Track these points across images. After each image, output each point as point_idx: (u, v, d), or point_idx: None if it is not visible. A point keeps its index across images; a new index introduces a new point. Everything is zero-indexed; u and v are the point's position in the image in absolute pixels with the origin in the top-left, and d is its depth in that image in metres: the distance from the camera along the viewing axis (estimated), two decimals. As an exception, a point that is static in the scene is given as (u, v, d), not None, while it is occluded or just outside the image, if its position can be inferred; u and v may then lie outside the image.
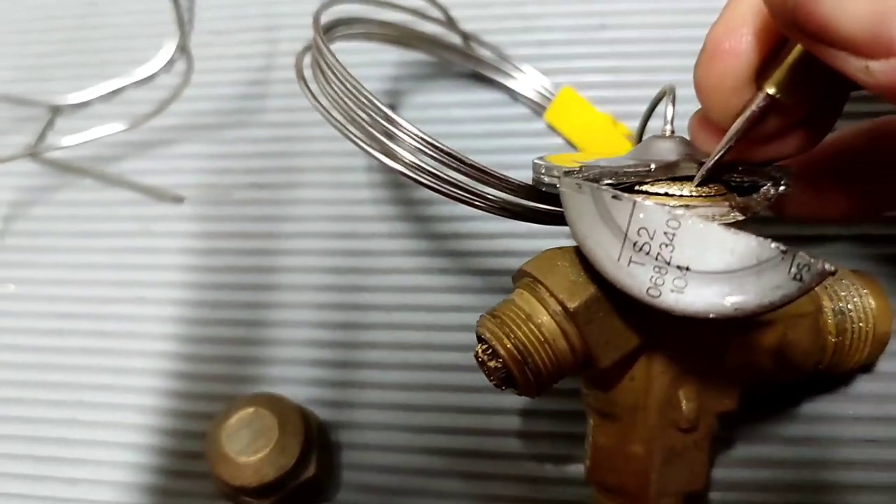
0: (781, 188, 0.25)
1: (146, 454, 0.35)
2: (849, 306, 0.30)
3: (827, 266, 0.21)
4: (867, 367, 0.32)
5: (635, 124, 0.37)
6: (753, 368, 0.28)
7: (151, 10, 0.45)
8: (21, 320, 0.38)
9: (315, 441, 0.31)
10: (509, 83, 0.39)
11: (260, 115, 0.41)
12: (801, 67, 0.22)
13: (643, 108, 0.36)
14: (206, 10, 0.42)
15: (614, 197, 0.23)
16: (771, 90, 0.23)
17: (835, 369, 0.30)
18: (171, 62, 0.39)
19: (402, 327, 0.35)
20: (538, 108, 0.38)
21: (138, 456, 0.35)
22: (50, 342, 0.38)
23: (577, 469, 0.32)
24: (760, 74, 0.23)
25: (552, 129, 0.38)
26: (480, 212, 0.30)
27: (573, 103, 0.37)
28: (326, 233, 0.38)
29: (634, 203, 0.23)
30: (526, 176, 0.27)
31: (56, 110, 0.42)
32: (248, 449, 0.30)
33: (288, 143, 0.40)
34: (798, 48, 0.22)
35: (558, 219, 0.28)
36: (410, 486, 0.33)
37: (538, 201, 0.27)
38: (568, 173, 0.24)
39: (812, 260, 0.21)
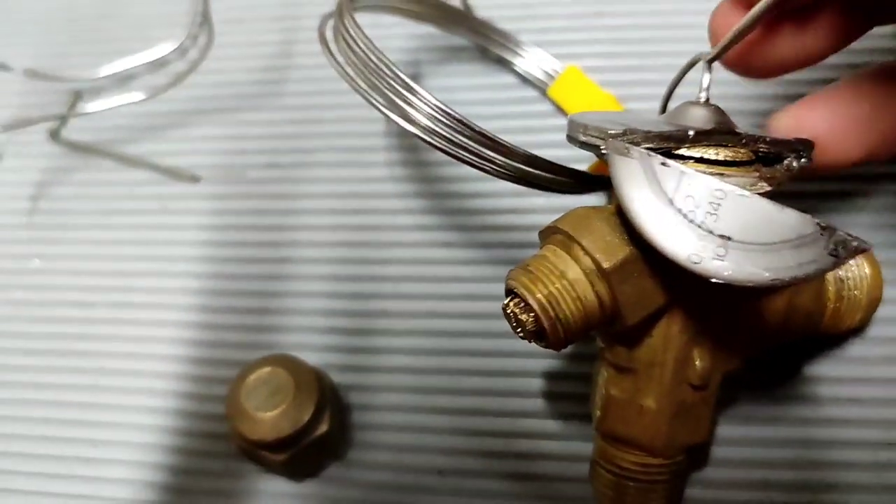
0: (803, 160, 0.27)
1: (167, 417, 0.37)
2: (847, 274, 0.32)
3: (861, 244, 0.23)
4: (858, 330, 0.33)
5: (634, 106, 0.39)
6: (761, 330, 0.30)
7: (169, 1, 0.47)
8: (46, 293, 0.40)
9: (328, 399, 0.33)
10: (517, 62, 0.41)
11: (276, 99, 0.43)
12: None
13: (641, 90, 0.38)
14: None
15: (663, 164, 0.24)
16: None
17: (830, 332, 0.32)
18: (191, 37, 0.41)
19: (410, 297, 0.37)
20: (544, 88, 0.40)
21: (159, 419, 0.37)
22: (73, 313, 0.39)
23: (580, 426, 0.34)
24: None
25: (557, 108, 0.40)
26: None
27: (578, 81, 0.39)
28: (337, 209, 0.40)
29: (682, 171, 0.24)
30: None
31: (77, 94, 0.44)
32: (266, 405, 0.32)
33: (302, 125, 0.42)
34: None
35: (555, 185, 0.30)
36: (418, 444, 0.34)
37: (538, 169, 0.29)
38: (613, 136, 0.26)
39: (848, 237, 0.23)
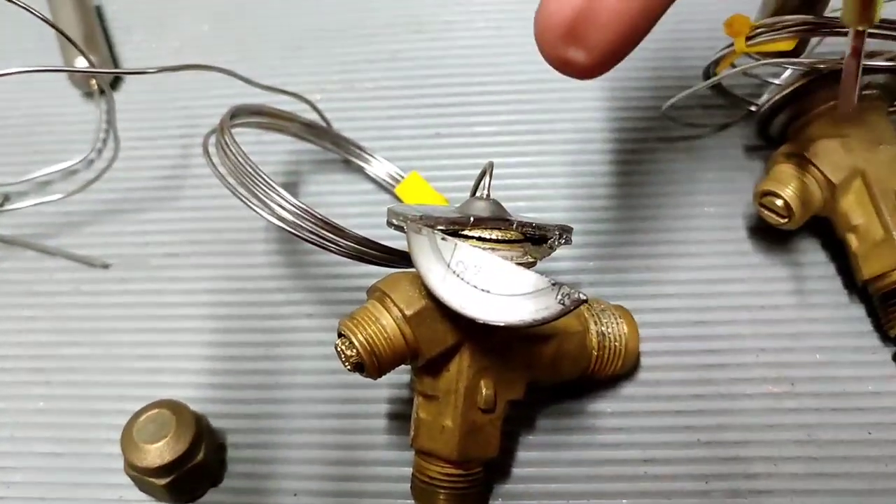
0: (563, 241, 0.37)
1: (71, 459, 0.44)
2: (608, 329, 0.41)
3: (581, 295, 0.32)
4: (625, 375, 0.43)
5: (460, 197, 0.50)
6: (536, 369, 0.38)
7: (85, 121, 0.56)
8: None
9: (204, 434, 0.41)
10: (372, 169, 0.51)
11: (175, 202, 0.52)
12: None
13: (462, 193, 0.49)
14: (127, 121, 0.53)
15: (443, 238, 0.34)
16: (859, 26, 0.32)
17: (597, 375, 0.41)
18: (95, 151, 0.51)
19: (278, 358, 0.46)
20: (391, 188, 0.50)
21: (63, 462, 0.43)
22: (-6, 378, 0.47)
23: (403, 454, 0.42)
24: None
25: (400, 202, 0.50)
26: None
27: (418, 183, 0.49)
28: (224, 289, 0.48)
29: (455, 244, 0.34)
30: (372, 235, 0.38)
31: (5, 196, 0.53)
32: (152, 438, 0.39)
33: (196, 222, 0.51)
34: None
35: (385, 261, 0.39)
36: (278, 472, 0.42)
37: (369, 248, 0.39)
38: (412, 220, 0.35)
39: (571, 290, 0.32)
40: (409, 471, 0.40)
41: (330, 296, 0.48)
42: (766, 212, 0.43)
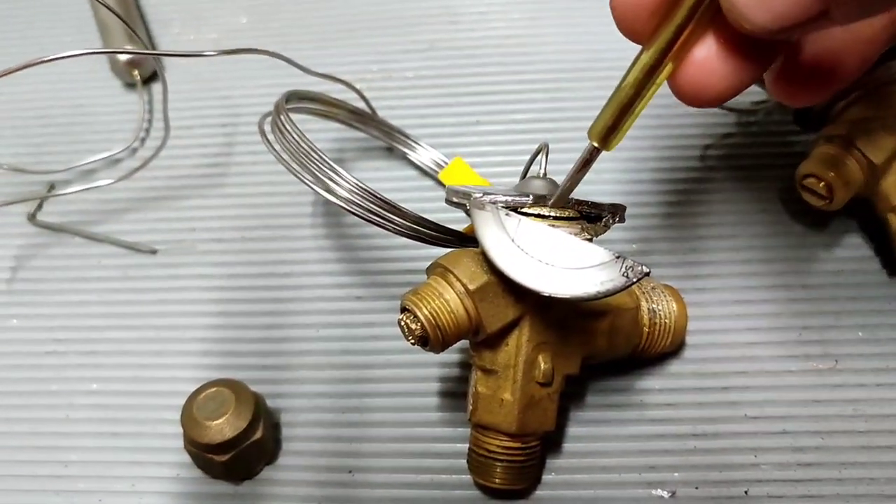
0: (616, 219, 0.38)
1: (127, 439, 0.44)
2: (658, 306, 0.42)
3: (644, 268, 0.33)
4: (674, 352, 0.44)
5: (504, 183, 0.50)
6: (591, 344, 0.39)
7: (127, 111, 0.57)
8: (23, 346, 0.48)
9: (262, 413, 0.41)
10: (416, 155, 0.52)
11: (219, 188, 0.53)
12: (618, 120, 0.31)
13: (505, 178, 0.50)
14: (169, 111, 0.54)
15: (507, 214, 0.35)
16: (595, 143, 0.32)
17: (647, 352, 0.42)
18: (138, 140, 0.52)
19: (329, 339, 0.46)
20: (436, 175, 0.51)
21: (120, 441, 0.44)
22: (47, 361, 0.47)
23: (456, 432, 0.43)
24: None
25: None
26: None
27: (461, 168, 0.50)
28: (270, 273, 0.49)
29: (520, 219, 0.35)
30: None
31: (51, 185, 0.54)
32: (212, 415, 0.40)
33: (240, 208, 0.52)
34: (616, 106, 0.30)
35: (440, 240, 0.40)
36: (333, 450, 0.43)
37: (425, 228, 0.39)
38: (475, 197, 0.36)
39: (635, 263, 0.33)
40: (462, 447, 0.41)
41: (378, 279, 0.48)
42: (807, 194, 0.44)
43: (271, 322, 0.47)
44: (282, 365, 0.46)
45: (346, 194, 0.39)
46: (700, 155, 0.51)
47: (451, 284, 0.36)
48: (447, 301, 0.36)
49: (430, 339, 0.35)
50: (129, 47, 0.57)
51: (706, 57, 0.28)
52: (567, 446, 0.42)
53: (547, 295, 0.33)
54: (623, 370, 0.44)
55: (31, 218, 0.52)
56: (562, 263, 0.34)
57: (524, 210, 0.36)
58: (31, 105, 0.59)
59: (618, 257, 0.34)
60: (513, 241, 0.34)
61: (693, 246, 0.48)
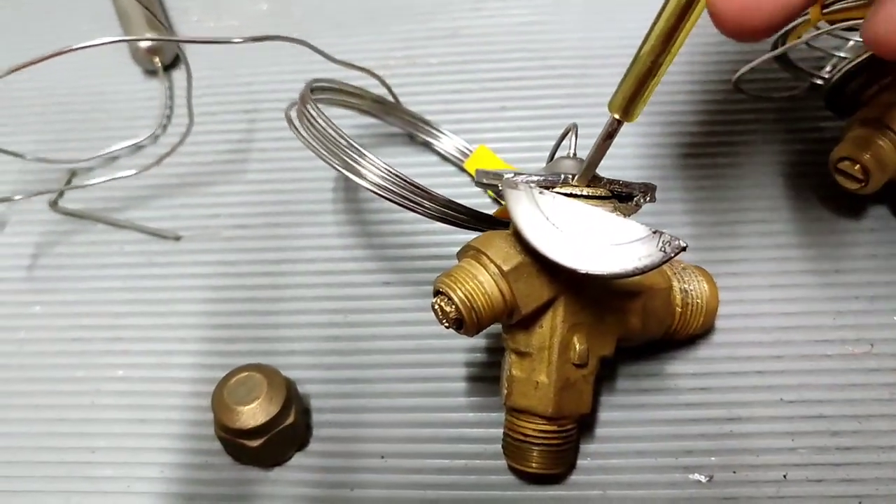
0: (647, 199, 0.37)
1: (155, 425, 0.44)
2: (690, 287, 0.41)
3: (681, 242, 0.33)
4: (702, 336, 0.43)
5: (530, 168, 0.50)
6: (625, 325, 0.38)
7: (149, 98, 0.57)
8: (46, 332, 0.48)
9: (294, 399, 0.41)
10: (439, 143, 0.52)
11: (242, 175, 0.53)
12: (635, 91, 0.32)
13: (531, 163, 0.49)
14: (197, 96, 0.54)
15: (540, 192, 0.34)
16: (616, 115, 0.32)
17: (679, 334, 0.42)
18: (161, 127, 0.51)
19: (357, 325, 0.46)
20: (461, 163, 0.51)
21: (147, 428, 0.44)
22: (71, 348, 0.47)
23: (489, 416, 0.42)
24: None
25: (471, 178, 0.50)
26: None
27: (487, 156, 0.50)
28: (294, 259, 0.49)
29: (554, 196, 0.34)
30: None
31: (73, 172, 0.53)
32: (244, 399, 0.39)
33: (264, 194, 0.52)
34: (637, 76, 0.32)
35: (470, 224, 0.40)
36: (365, 436, 0.43)
37: (455, 211, 0.39)
38: (508, 177, 0.35)
39: (672, 238, 0.33)
40: (495, 431, 0.40)
41: (405, 264, 0.48)
42: (842, 177, 0.43)
43: (297, 308, 0.47)
44: (310, 350, 0.45)
45: (377, 179, 0.38)
46: (732, 141, 0.50)
47: (484, 266, 0.35)
48: (481, 283, 0.35)
49: (466, 322, 0.35)
50: (150, 34, 0.56)
51: None
52: (600, 431, 0.42)
53: (584, 273, 0.33)
54: (654, 355, 0.43)
55: (53, 205, 0.51)
56: (598, 240, 0.33)
57: (557, 189, 0.35)
58: (53, 93, 0.58)
59: (654, 232, 0.33)
60: (547, 219, 0.34)
61: (725, 231, 0.47)
